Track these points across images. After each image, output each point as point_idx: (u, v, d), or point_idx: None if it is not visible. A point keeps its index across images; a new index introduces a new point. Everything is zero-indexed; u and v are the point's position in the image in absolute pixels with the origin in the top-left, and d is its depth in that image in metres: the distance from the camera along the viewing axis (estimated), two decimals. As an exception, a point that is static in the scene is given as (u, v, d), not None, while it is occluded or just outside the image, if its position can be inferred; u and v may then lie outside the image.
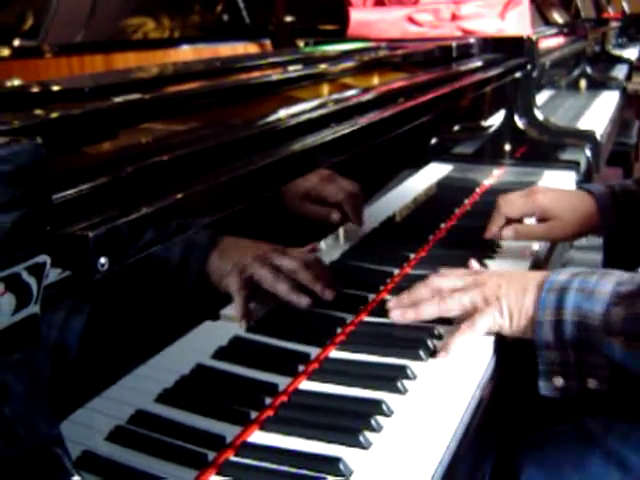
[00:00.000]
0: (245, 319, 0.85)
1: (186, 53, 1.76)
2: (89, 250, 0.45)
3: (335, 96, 1.11)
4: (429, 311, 0.97)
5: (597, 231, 1.27)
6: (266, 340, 0.88)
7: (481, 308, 0.95)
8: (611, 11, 7.14)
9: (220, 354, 0.82)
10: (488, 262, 1.19)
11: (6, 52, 1.31)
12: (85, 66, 1.44)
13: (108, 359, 0.67)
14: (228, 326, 0.86)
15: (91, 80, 0.93)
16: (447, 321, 0.98)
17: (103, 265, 0.47)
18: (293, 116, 0.90)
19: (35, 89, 0.79)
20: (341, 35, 2.06)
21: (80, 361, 0.62)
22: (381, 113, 1.10)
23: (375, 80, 1.44)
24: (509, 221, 1.23)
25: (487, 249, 1.24)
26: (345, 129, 0.97)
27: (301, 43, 1.95)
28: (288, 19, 1.97)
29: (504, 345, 0.97)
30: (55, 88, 0.78)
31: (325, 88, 1.26)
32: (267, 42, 1.94)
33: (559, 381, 0.92)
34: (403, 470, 0.68)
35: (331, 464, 0.68)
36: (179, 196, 0.54)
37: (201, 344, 0.81)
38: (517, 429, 1.13)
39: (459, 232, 1.38)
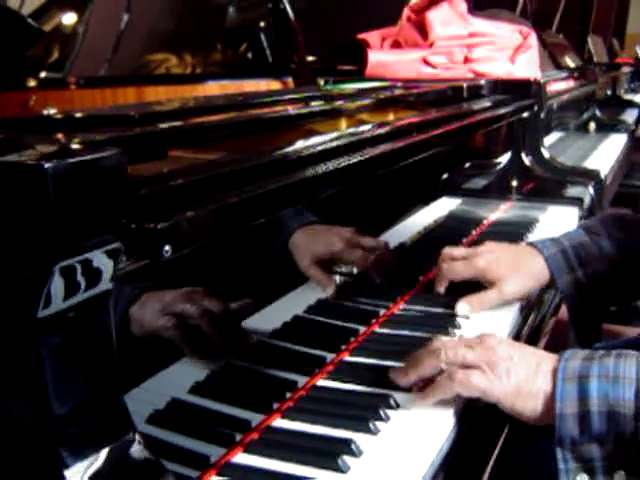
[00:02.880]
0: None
1: (212, 88, 1.86)
2: (157, 239, 0.56)
3: (351, 129, 1.22)
4: (430, 365, 0.90)
5: (553, 289, 1.27)
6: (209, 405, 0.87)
7: (484, 370, 0.88)
8: (624, 56, 7.28)
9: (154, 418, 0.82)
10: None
11: (32, 83, 1.40)
12: (117, 97, 1.54)
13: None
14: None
15: (136, 109, 1.05)
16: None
17: (167, 252, 0.58)
18: (310, 147, 0.98)
19: (93, 114, 0.91)
20: (359, 75, 2.17)
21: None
22: (393, 145, 1.20)
23: (390, 116, 1.55)
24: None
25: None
26: (358, 158, 1.05)
27: (321, 81, 2.06)
28: (310, 59, 2.08)
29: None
30: (110, 114, 0.90)
31: (343, 123, 1.37)
32: (289, 80, 2.04)
33: (583, 478, 0.86)
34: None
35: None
36: (222, 204, 0.65)
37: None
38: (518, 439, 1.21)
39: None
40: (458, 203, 1.92)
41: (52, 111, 1.19)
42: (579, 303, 1.25)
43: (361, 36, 2.31)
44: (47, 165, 0.46)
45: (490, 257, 1.22)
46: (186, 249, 0.60)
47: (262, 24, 2.17)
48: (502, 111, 1.84)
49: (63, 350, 0.53)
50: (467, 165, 2.02)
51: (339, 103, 1.38)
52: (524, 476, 1.12)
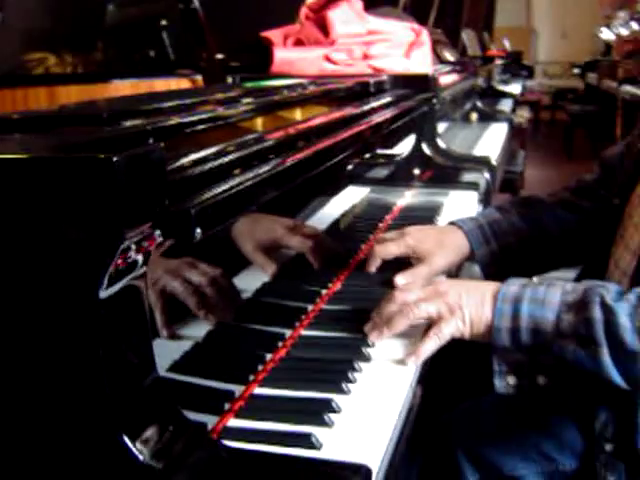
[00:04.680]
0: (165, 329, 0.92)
1: (124, 87, 1.89)
2: (191, 222, 0.65)
3: (269, 131, 1.24)
4: (401, 324, 1.08)
5: (472, 259, 1.43)
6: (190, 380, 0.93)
7: (445, 317, 1.08)
8: (494, 49, 7.63)
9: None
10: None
11: None
12: (29, 98, 1.56)
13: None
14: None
15: (98, 107, 1.11)
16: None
17: (198, 234, 0.66)
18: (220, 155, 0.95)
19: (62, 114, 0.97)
20: (265, 72, 2.26)
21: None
22: (311, 148, 1.19)
23: (305, 113, 1.64)
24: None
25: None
26: (274, 169, 1.01)
27: (229, 79, 2.14)
28: (219, 56, 2.15)
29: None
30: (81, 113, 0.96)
31: (260, 122, 1.44)
32: (199, 78, 2.10)
33: (512, 380, 1.06)
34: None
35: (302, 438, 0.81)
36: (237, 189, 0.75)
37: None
38: (449, 401, 1.35)
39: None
40: (367, 191, 2.04)
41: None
42: (494, 273, 1.40)
43: (264, 34, 2.39)
44: (115, 158, 0.54)
45: (417, 235, 1.37)
46: (211, 231, 0.68)
47: (164, 22, 2.21)
48: (406, 105, 1.97)
49: (116, 327, 0.61)
50: (372, 155, 2.15)
51: (256, 101, 1.44)
52: (461, 430, 1.25)
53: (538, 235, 1.45)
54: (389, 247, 1.35)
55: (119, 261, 0.58)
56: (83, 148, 0.61)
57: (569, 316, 1.03)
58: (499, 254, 1.41)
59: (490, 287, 1.11)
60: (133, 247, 0.60)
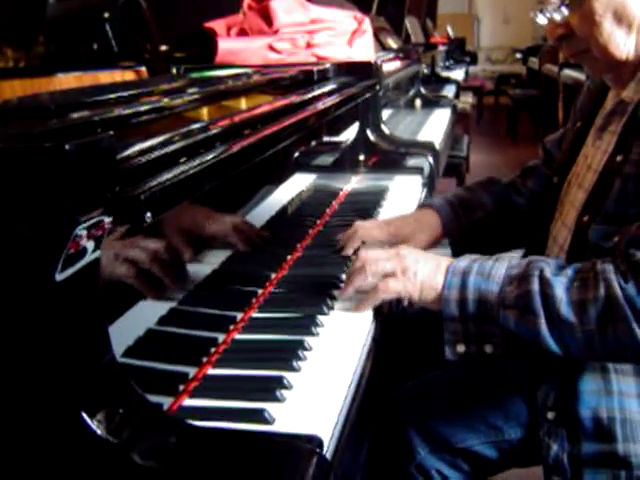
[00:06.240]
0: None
1: (68, 80, 1.89)
2: (141, 207, 0.67)
3: (217, 120, 1.26)
4: (360, 278, 1.17)
5: (444, 237, 1.51)
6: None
7: (397, 275, 1.15)
8: (437, 36, 7.71)
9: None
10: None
11: None
12: None
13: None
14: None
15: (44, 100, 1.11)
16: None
17: (149, 218, 0.68)
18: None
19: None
20: (210, 62, 2.27)
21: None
22: (256, 136, 1.21)
23: (250, 102, 1.66)
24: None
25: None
26: (219, 156, 1.02)
27: (173, 70, 2.14)
28: (162, 48, 2.15)
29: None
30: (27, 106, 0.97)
31: (206, 111, 1.45)
32: (143, 69, 2.10)
33: (461, 348, 1.13)
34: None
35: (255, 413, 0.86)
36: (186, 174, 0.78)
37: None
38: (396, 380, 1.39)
39: (333, 225, 1.63)
40: (314, 178, 2.07)
41: None
42: (463, 248, 1.45)
43: (207, 25, 2.40)
44: (67, 146, 0.57)
45: (397, 222, 1.47)
46: (160, 215, 0.71)
47: (106, 15, 2.20)
48: (350, 92, 2.00)
49: (72, 309, 0.63)
50: (317, 143, 2.18)
51: (201, 91, 1.46)
52: (410, 405, 1.29)
53: (504, 210, 1.53)
54: (373, 230, 1.43)
55: (73, 245, 0.61)
56: (35, 138, 0.63)
57: (511, 288, 1.09)
58: (468, 228, 1.48)
59: (446, 260, 1.17)
60: (86, 232, 0.62)
